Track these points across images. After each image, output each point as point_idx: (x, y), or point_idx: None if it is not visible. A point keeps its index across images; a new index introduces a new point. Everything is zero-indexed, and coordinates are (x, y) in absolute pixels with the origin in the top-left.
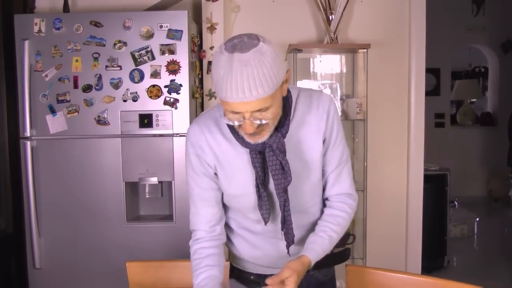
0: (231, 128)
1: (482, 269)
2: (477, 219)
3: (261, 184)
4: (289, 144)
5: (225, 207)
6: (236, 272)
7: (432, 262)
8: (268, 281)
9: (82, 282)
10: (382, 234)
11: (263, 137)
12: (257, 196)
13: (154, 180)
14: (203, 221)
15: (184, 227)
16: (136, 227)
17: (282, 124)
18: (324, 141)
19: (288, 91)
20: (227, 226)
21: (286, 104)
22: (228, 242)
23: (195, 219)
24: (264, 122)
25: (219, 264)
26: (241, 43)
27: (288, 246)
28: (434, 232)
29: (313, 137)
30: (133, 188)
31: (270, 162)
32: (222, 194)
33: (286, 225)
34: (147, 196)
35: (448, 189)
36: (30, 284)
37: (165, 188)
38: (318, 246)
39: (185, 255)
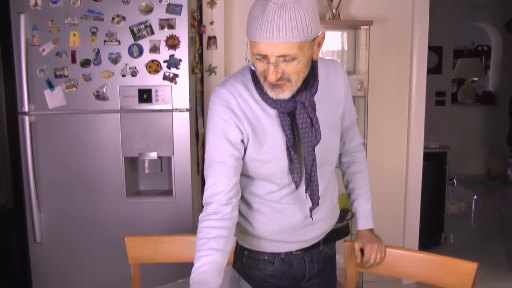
0: (260, 89)
1: (478, 246)
2: (475, 197)
3: (292, 146)
4: (320, 100)
5: (246, 184)
6: (247, 254)
7: (430, 239)
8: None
9: (82, 256)
10: (381, 211)
11: (284, 93)
12: (288, 159)
13: (153, 155)
14: (221, 191)
15: (183, 202)
16: (135, 202)
17: (312, 84)
18: (344, 95)
19: (316, 61)
20: (242, 202)
21: (315, 67)
22: (242, 220)
23: (211, 190)
24: (286, 75)
25: (224, 249)
26: None
27: (312, 209)
28: (432, 209)
29: (335, 99)
30: (132, 163)
31: (300, 120)
32: (244, 165)
33: (311, 185)
34: (147, 172)
35: (447, 167)
36: (31, 258)
37: (164, 163)
38: (370, 212)
39: (184, 230)
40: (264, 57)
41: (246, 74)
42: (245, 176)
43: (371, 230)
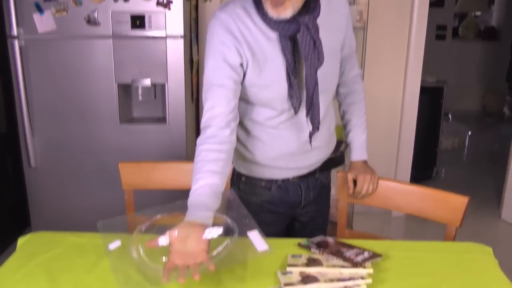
0: (261, 12)
1: (469, 181)
2: (469, 133)
3: (292, 72)
4: (322, 27)
5: (245, 109)
6: (244, 180)
7: (421, 173)
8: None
9: (77, 181)
10: (374, 143)
11: (285, 11)
12: (287, 84)
13: (147, 82)
14: (220, 113)
15: (177, 129)
16: (129, 128)
17: (314, 7)
18: (345, 23)
19: None
20: (241, 128)
21: None
22: (240, 146)
23: (209, 113)
24: None
25: (222, 172)
26: None
27: (312, 134)
28: (426, 144)
29: (336, 25)
30: (126, 90)
31: (303, 43)
32: (244, 90)
33: (312, 109)
34: (140, 99)
35: (444, 102)
36: (26, 182)
37: (158, 90)
38: (365, 143)
39: (177, 157)
40: None
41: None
42: (244, 102)
43: (364, 162)
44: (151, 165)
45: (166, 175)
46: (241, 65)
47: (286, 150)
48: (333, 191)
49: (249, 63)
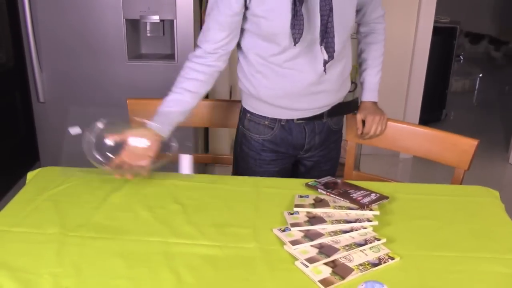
0: None
1: (478, 124)
2: (480, 75)
3: (299, 1)
4: None
5: (250, 44)
6: (249, 116)
7: (430, 115)
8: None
9: None
10: (384, 84)
11: None
12: (292, 14)
13: (155, 18)
14: (210, 39)
15: None
16: (137, 65)
17: None
18: None
19: None
20: (246, 62)
21: None
22: (245, 80)
23: (202, 37)
24: None
25: (197, 92)
26: None
27: (326, 63)
28: (436, 85)
29: None
30: (134, 26)
31: None
32: (245, 20)
33: (327, 37)
34: (148, 35)
35: (456, 43)
36: (35, 117)
37: (167, 26)
38: (377, 85)
39: None
40: None
41: None
42: (250, 34)
43: (374, 103)
44: (159, 102)
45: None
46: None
47: (290, 89)
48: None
49: None
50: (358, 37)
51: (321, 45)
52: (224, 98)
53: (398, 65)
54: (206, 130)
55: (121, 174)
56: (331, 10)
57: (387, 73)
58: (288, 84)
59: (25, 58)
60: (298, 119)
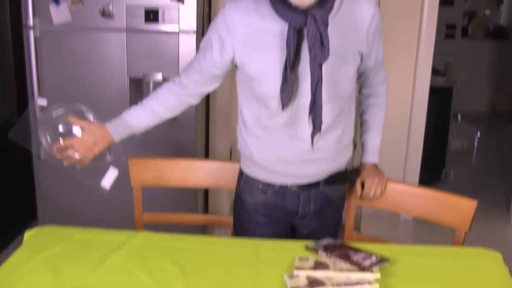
0: (274, 1)
1: (478, 184)
2: (478, 133)
3: (290, 66)
4: (335, 30)
5: (244, 101)
6: (244, 178)
7: (430, 174)
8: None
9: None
10: (383, 143)
11: None
12: (282, 78)
13: (158, 76)
14: (188, 75)
15: (186, 125)
16: None
17: (327, 1)
18: (369, 35)
19: None
20: (243, 123)
21: None
22: (242, 142)
23: (186, 67)
24: None
25: (160, 116)
26: None
27: (313, 135)
28: (435, 144)
29: (353, 33)
30: (137, 84)
31: (309, 34)
32: (239, 79)
33: (315, 107)
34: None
35: (453, 102)
36: (35, 175)
37: None
38: (378, 147)
39: (186, 153)
40: None
41: None
42: (245, 92)
43: (374, 165)
44: (160, 161)
45: (175, 172)
46: (231, 53)
47: (283, 154)
48: None
49: (244, 55)
50: (360, 97)
51: (309, 115)
52: (225, 159)
53: (396, 125)
54: (206, 190)
55: (61, 157)
56: (319, 79)
57: (385, 133)
58: (280, 149)
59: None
60: (292, 185)
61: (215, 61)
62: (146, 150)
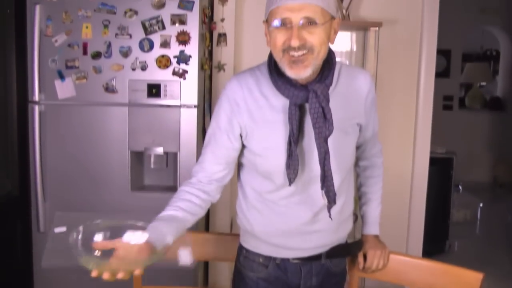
0: (275, 77)
1: (483, 255)
2: (481, 204)
3: (294, 141)
4: (335, 103)
5: (248, 177)
6: (244, 253)
7: (434, 246)
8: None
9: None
10: (385, 215)
11: (305, 69)
12: (287, 154)
13: (159, 150)
14: (204, 173)
15: None
16: (139, 196)
17: (326, 76)
18: (366, 107)
19: (332, 52)
20: (243, 197)
21: (331, 58)
22: (242, 216)
23: (198, 167)
24: (309, 44)
25: (192, 214)
26: None
27: (330, 208)
28: (437, 216)
29: (352, 106)
30: (138, 158)
31: (312, 110)
32: (242, 155)
33: (326, 181)
34: (152, 167)
35: (453, 173)
36: (34, 247)
37: (170, 159)
38: (378, 218)
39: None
40: (287, 22)
41: (262, 68)
42: (246, 169)
43: (376, 236)
44: None
45: (174, 244)
46: (240, 135)
47: (284, 227)
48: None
49: (249, 133)
50: (357, 170)
51: (322, 189)
52: (225, 231)
53: (397, 197)
54: (206, 262)
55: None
56: (326, 152)
57: (387, 205)
58: (281, 222)
59: (30, 187)
60: (293, 259)
61: (232, 143)
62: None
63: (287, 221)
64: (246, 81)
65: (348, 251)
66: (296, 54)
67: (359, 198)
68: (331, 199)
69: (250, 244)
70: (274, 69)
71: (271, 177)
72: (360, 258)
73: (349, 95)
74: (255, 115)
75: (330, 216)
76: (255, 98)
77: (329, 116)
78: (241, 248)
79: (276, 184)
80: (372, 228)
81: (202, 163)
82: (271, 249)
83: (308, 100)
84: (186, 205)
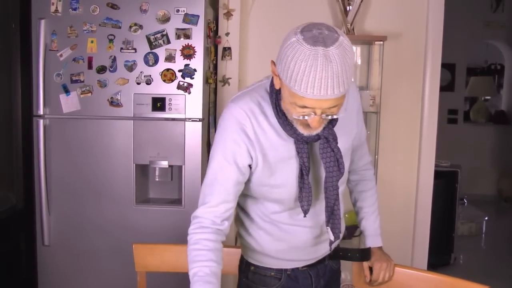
0: (281, 117)
1: (489, 269)
2: (486, 218)
3: (306, 174)
4: (340, 132)
5: (251, 204)
6: (253, 269)
7: (439, 259)
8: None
9: (89, 261)
10: (390, 228)
11: (317, 130)
12: (298, 187)
13: (164, 163)
14: (216, 214)
15: (192, 212)
16: (144, 209)
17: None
18: (358, 117)
19: None
20: (248, 219)
21: None
22: (247, 236)
23: (207, 209)
24: (332, 117)
25: (220, 263)
26: (321, 36)
27: (332, 243)
28: (442, 229)
29: (349, 127)
30: (143, 171)
31: (324, 155)
32: (248, 187)
33: (333, 218)
34: (157, 180)
35: (458, 186)
36: (38, 260)
37: (175, 172)
38: (379, 230)
39: None
40: (309, 108)
41: (262, 94)
42: (251, 197)
43: (380, 248)
44: (165, 247)
45: (180, 257)
46: (250, 166)
47: (294, 244)
48: (348, 277)
49: (260, 164)
50: (348, 185)
51: (327, 225)
52: (229, 244)
53: (402, 210)
54: None
55: None
56: (337, 194)
57: (392, 219)
58: (292, 239)
59: (34, 201)
60: (303, 266)
61: (243, 175)
62: (153, 237)
63: (297, 238)
64: (250, 108)
65: (346, 254)
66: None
67: (356, 213)
68: (337, 235)
69: (259, 260)
70: (278, 109)
71: (281, 202)
72: (366, 271)
73: (347, 116)
74: (266, 147)
75: (330, 251)
76: (264, 129)
77: (341, 158)
78: (247, 264)
79: (285, 206)
80: (375, 240)
81: (210, 203)
82: (282, 263)
83: (316, 140)
84: (217, 255)
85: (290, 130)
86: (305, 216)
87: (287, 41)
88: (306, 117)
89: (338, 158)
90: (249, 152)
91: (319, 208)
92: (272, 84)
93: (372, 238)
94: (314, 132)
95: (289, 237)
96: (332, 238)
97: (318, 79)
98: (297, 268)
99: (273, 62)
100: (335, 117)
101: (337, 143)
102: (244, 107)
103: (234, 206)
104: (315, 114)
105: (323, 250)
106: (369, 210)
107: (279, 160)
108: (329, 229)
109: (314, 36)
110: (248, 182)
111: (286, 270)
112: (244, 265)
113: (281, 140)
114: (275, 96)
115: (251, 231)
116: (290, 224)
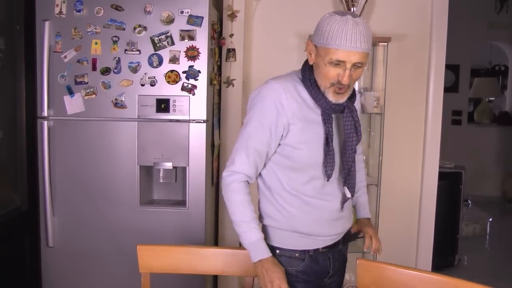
0: (313, 92)
1: (493, 270)
2: (490, 219)
3: (331, 139)
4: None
5: (275, 176)
6: (278, 252)
7: (443, 260)
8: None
9: (93, 262)
10: (394, 230)
11: (344, 97)
12: (324, 153)
13: (168, 165)
14: (251, 171)
15: (196, 213)
16: (148, 211)
17: (353, 94)
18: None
19: None
20: (274, 197)
21: None
22: (275, 213)
23: (243, 166)
24: (352, 82)
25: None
26: (348, 12)
27: (345, 200)
28: (446, 230)
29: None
30: (147, 172)
31: (346, 122)
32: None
33: (349, 179)
34: (161, 181)
35: (462, 187)
36: (42, 261)
37: (179, 173)
38: (367, 203)
39: (196, 241)
40: (341, 63)
41: (295, 78)
42: (278, 169)
43: (368, 219)
44: (169, 248)
45: (184, 259)
46: (282, 132)
47: (318, 216)
48: (347, 277)
49: (290, 130)
50: None
51: (344, 185)
52: (234, 245)
53: (407, 211)
54: (215, 276)
55: None
56: (353, 159)
57: (396, 220)
58: (315, 212)
59: (39, 202)
60: (322, 248)
61: (275, 141)
62: (157, 239)
63: (320, 212)
64: (286, 85)
65: (353, 236)
66: (343, 88)
67: None
68: (352, 193)
69: (283, 243)
70: (312, 82)
71: (306, 168)
72: (367, 240)
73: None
74: (296, 113)
75: (342, 208)
76: (296, 100)
77: (359, 124)
78: (272, 249)
79: (309, 175)
80: (364, 212)
81: (247, 163)
82: (305, 241)
83: (342, 112)
84: (249, 198)
85: (321, 99)
86: (328, 180)
87: (322, 19)
88: (339, 74)
89: (357, 126)
90: (283, 122)
91: (339, 184)
92: (304, 67)
93: (363, 210)
94: (341, 100)
95: (313, 210)
96: (348, 195)
97: (350, 34)
98: (318, 250)
99: (309, 39)
100: (360, 71)
101: (356, 114)
102: (282, 83)
103: (262, 165)
104: (346, 68)
105: (340, 229)
106: (360, 185)
107: (307, 125)
108: (345, 188)
109: (343, 12)
110: (278, 146)
111: (308, 251)
112: (271, 250)
113: (311, 112)
114: (309, 72)
115: (279, 207)
116: (314, 197)
